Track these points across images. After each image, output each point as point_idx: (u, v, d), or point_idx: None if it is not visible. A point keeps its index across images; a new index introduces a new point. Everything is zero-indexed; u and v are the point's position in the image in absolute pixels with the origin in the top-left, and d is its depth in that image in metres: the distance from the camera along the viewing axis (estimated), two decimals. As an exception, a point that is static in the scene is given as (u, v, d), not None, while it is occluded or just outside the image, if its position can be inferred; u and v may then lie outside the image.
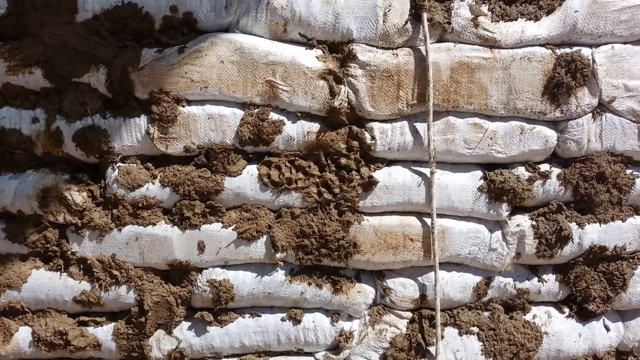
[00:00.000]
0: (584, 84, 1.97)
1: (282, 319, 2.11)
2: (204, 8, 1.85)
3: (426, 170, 2.01)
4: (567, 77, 1.93)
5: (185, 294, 2.07)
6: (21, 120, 1.95)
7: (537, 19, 1.93)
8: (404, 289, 2.12)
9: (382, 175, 2.01)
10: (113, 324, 2.11)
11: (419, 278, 2.13)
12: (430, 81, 1.90)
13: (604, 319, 2.24)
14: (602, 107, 2.03)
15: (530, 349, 2.15)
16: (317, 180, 2.01)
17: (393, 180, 2.01)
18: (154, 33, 1.88)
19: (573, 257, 2.14)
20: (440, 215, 2.05)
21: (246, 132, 1.93)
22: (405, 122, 1.99)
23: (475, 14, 1.90)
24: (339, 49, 1.94)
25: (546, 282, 2.18)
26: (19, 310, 2.08)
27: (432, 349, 2.09)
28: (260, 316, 2.12)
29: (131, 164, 1.99)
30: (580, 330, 2.21)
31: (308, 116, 1.98)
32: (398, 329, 2.13)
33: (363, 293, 2.12)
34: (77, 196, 1.97)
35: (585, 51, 1.96)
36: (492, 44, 1.93)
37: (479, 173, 2.07)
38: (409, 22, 1.89)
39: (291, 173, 2.00)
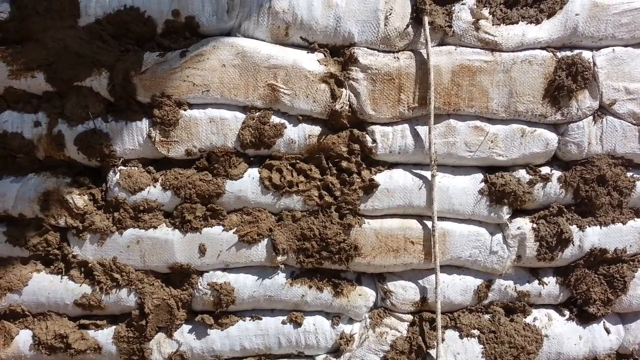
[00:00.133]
0: (585, 87, 1.97)
1: (283, 322, 2.11)
2: (206, 12, 1.85)
3: (427, 173, 2.02)
4: (568, 80, 1.94)
5: (186, 297, 2.07)
6: (23, 123, 1.96)
7: (538, 22, 1.93)
8: (404, 291, 2.12)
9: (383, 178, 2.02)
10: (114, 327, 2.10)
11: (420, 281, 2.13)
12: (432, 84, 1.90)
13: (604, 322, 2.25)
14: (603, 110, 2.03)
15: (531, 351, 2.15)
16: (318, 183, 2.02)
17: (394, 183, 2.02)
18: (156, 37, 1.89)
19: (574, 259, 2.14)
20: (441, 218, 2.06)
21: (247, 136, 1.94)
22: (406, 125, 2.00)
23: (476, 17, 1.90)
24: (340, 52, 1.95)
25: (547, 284, 2.18)
26: (19, 314, 2.08)
27: (432, 352, 2.08)
28: (260, 319, 2.12)
29: (133, 168, 1.99)
30: (581, 333, 2.22)
31: (309, 119, 1.99)
32: (399, 331, 2.13)
33: (364, 296, 2.12)
34: (79, 199, 1.97)
35: (586, 54, 1.97)
36: (493, 47, 1.94)
37: (479, 176, 2.07)
38: (410, 26, 1.90)
39: (292, 176, 2.00)
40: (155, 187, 1.99)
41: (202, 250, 2.02)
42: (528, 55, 1.94)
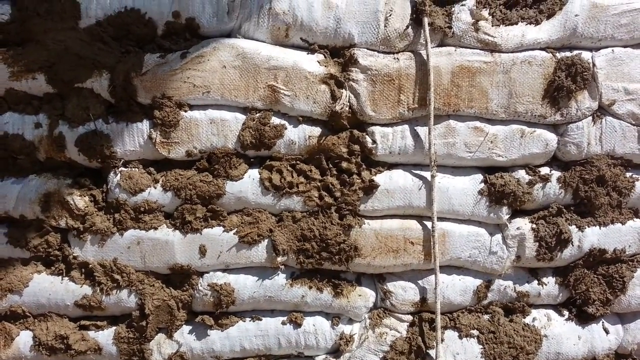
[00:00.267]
0: (584, 88, 1.98)
1: (283, 323, 2.11)
2: (206, 14, 1.85)
3: (427, 174, 2.02)
4: (567, 81, 1.94)
5: (186, 297, 2.07)
6: (24, 125, 1.96)
7: (537, 23, 1.94)
8: (404, 292, 2.13)
9: (383, 179, 2.02)
10: (114, 328, 2.10)
11: (420, 281, 2.13)
12: (431, 85, 1.90)
13: (603, 322, 2.25)
14: (602, 111, 2.04)
15: (530, 351, 2.15)
16: (319, 184, 2.02)
17: (394, 184, 2.02)
18: (157, 38, 1.89)
19: (573, 260, 2.14)
20: (440, 219, 2.06)
21: (248, 137, 1.94)
22: (406, 126, 2.00)
23: (476, 18, 1.91)
24: (340, 53, 1.96)
25: (546, 285, 2.18)
26: (20, 315, 2.08)
27: (432, 352, 2.09)
28: (260, 320, 2.12)
29: (133, 169, 1.99)
30: (580, 333, 2.22)
31: (309, 120, 1.99)
32: (398, 332, 2.14)
33: (364, 296, 2.13)
34: (79, 201, 1.97)
35: (586, 55, 1.97)
36: (492, 48, 1.94)
37: (479, 176, 2.08)
38: (410, 27, 1.91)
39: (292, 177, 2.00)
40: (155, 188, 1.99)
41: (202, 251, 2.02)
42: (527, 56, 1.95)
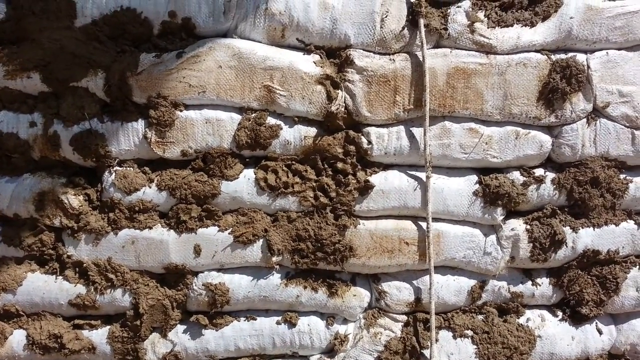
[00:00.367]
0: (579, 90, 1.98)
1: (278, 322, 2.11)
2: (202, 13, 1.85)
3: (422, 175, 2.02)
4: (562, 83, 1.95)
5: (181, 297, 2.07)
6: (19, 124, 1.95)
7: (532, 25, 1.94)
8: (399, 292, 2.13)
9: (378, 179, 2.02)
10: (108, 327, 2.10)
11: (414, 281, 2.14)
12: (427, 86, 1.91)
13: (596, 323, 2.26)
14: (597, 113, 2.05)
15: (524, 352, 2.16)
16: (314, 184, 2.02)
17: (389, 185, 2.02)
18: (153, 38, 1.89)
19: (567, 261, 2.15)
20: (435, 219, 2.07)
21: (243, 137, 1.94)
22: (401, 127, 2.00)
23: (471, 20, 1.91)
24: (336, 54, 1.96)
25: (540, 285, 2.19)
26: (13, 314, 2.07)
27: (426, 352, 2.10)
28: (255, 319, 2.12)
29: (128, 168, 1.99)
30: (574, 334, 2.23)
31: (305, 121, 1.99)
32: (393, 332, 2.14)
33: (358, 296, 2.13)
34: (74, 200, 1.97)
35: (580, 57, 1.98)
36: (488, 49, 1.95)
37: (474, 177, 2.08)
38: (406, 28, 1.91)
39: (288, 177, 2.00)
40: (150, 187, 1.99)
41: (197, 251, 2.02)
42: (523, 58, 1.95)
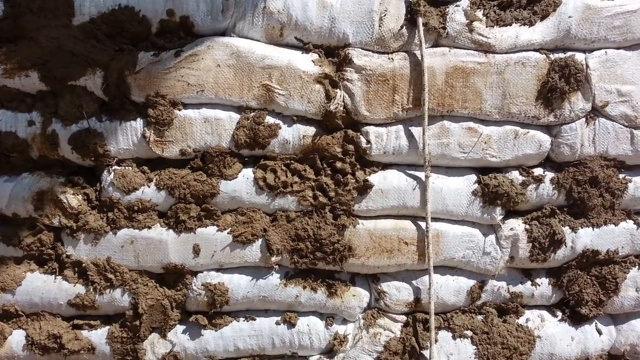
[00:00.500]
0: (578, 89, 1.98)
1: (277, 323, 2.11)
2: (200, 12, 1.85)
3: (421, 174, 2.02)
4: (560, 82, 1.95)
5: (180, 297, 2.07)
6: (17, 123, 1.95)
7: (531, 24, 1.95)
8: (398, 292, 2.13)
9: (377, 179, 2.02)
10: (107, 327, 2.10)
11: (414, 281, 2.14)
12: (426, 85, 1.91)
13: (596, 323, 2.26)
14: (596, 112, 2.04)
15: (524, 352, 2.15)
16: (313, 183, 2.02)
17: (388, 184, 2.02)
18: (151, 36, 1.89)
19: (566, 261, 2.15)
20: (434, 219, 2.06)
21: (242, 136, 1.94)
22: (400, 126, 2.00)
23: (470, 19, 1.91)
24: (335, 53, 1.96)
25: (539, 285, 2.19)
26: (12, 314, 2.07)
27: (426, 353, 2.09)
28: (254, 320, 2.12)
29: (127, 167, 1.99)
30: (573, 334, 2.23)
31: (304, 120, 1.99)
32: (392, 332, 2.14)
33: (358, 296, 2.13)
34: (73, 199, 1.97)
35: (579, 56, 1.98)
36: (486, 48, 1.95)
37: (473, 177, 2.08)
38: (404, 27, 1.91)
39: (287, 176, 2.00)
40: (149, 187, 1.98)
41: (196, 251, 2.02)
42: (521, 57, 1.95)
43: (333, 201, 2.01)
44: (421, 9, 1.87)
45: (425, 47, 1.92)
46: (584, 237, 2.11)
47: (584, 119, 2.04)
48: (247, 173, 2.01)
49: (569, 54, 1.97)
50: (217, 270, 2.09)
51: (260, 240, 2.04)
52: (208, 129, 1.94)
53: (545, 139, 2.04)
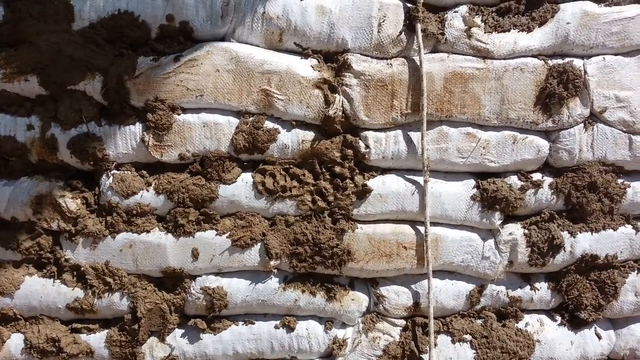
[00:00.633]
0: (576, 95, 1.98)
1: (276, 327, 2.11)
2: (200, 17, 1.85)
3: (420, 179, 2.02)
4: (559, 88, 1.95)
5: (179, 301, 2.07)
6: (16, 127, 1.95)
7: (529, 30, 1.95)
8: (397, 296, 2.13)
9: (376, 183, 2.02)
10: (106, 331, 2.10)
11: (413, 286, 2.14)
12: (424, 91, 1.91)
13: (595, 327, 2.25)
14: (594, 118, 2.05)
15: (523, 356, 2.15)
16: (312, 188, 2.02)
17: (387, 189, 2.02)
18: (150, 41, 1.89)
19: (565, 265, 2.15)
20: (433, 224, 2.06)
21: (241, 140, 1.94)
22: (399, 131, 2.01)
23: (468, 25, 1.91)
24: (334, 58, 1.96)
25: (538, 290, 2.19)
26: (11, 317, 2.07)
27: (425, 357, 2.09)
28: (253, 324, 2.12)
29: (126, 172, 1.99)
30: (572, 338, 2.22)
31: (303, 125, 1.99)
32: (391, 336, 2.14)
33: (357, 301, 2.13)
34: (71, 203, 1.97)
35: (577, 62, 1.98)
36: (485, 54, 1.95)
37: (472, 182, 2.08)
38: (403, 33, 1.91)
39: (286, 181, 2.00)
40: (148, 191, 1.99)
41: (195, 255, 2.02)
42: (520, 62, 1.96)
43: (332, 205, 2.01)
44: (420, 15, 1.88)
45: (424, 52, 1.92)
46: (582, 242, 2.11)
47: (582, 125, 2.04)
48: (246, 177, 2.01)
49: (567, 60, 1.97)
50: (216, 274, 2.09)
51: (259, 244, 2.04)
52: (207, 134, 1.94)
53: (543, 144, 2.04)
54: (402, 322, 2.17)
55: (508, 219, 2.13)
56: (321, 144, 1.98)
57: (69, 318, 2.10)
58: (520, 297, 2.19)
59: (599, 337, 2.25)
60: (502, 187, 2.03)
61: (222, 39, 1.93)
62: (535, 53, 1.97)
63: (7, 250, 2.03)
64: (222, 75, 1.89)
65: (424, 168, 1.98)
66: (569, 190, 2.07)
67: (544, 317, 2.25)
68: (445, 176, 2.09)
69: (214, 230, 2.03)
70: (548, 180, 2.08)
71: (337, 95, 1.94)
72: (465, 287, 2.17)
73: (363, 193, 2.00)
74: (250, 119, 1.95)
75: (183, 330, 2.11)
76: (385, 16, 1.89)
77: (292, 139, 1.98)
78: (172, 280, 2.08)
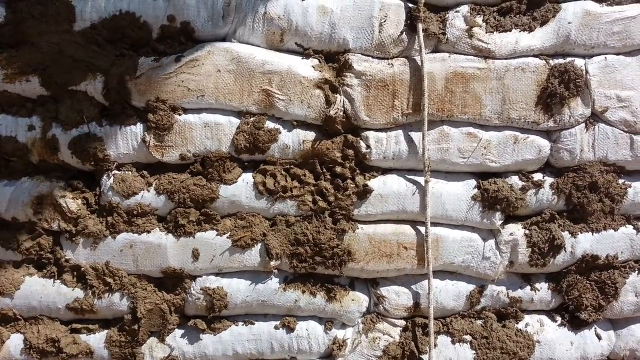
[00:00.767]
0: (577, 95, 1.98)
1: (276, 327, 2.11)
2: (201, 17, 1.85)
3: (420, 179, 2.02)
4: (560, 88, 1.95)
5: (179, 301, 2.07)
6: (17, 127, 1.95)
7: (531, 30, 1.95)
8: (397, 297, 2.13)
9: (376, 183, 2.02)
10: (106, 331, 2.10)
11: (413, 286, 2.13)
12: (425, 91, 1.91)
13: (595, 328, 2.25)
14: (595, 118, 2.05)
15: (523, 357, 2.15)
16: (312, 188, 2.02)
17: (388, 189, 2.02)
18: (152, 42, 1.89)
19: (565, 265, 2.15)
20: (434, 224, 2.06)
21: (242, 141, 1.94)
22: (400, 131, 2.00)
23: (469, 24, 1.91)
24: (335, 58, 1.96)
25: (539, 290, 2.19)
26: (11, 318, 2.07)
27: (425, 357, 2.09)
28: (253, 324, 2.12)
29: (126, 172, 1.99)
30: (572, 339, 2.22)
31: (304, 125, 1.99)
32: (391, 337, 2.14)
33: (357, 301, 2.13)
34: (72, 203, 1.97)
35: (579, 62, 1.98)
36: (486, 54, 1.95)
37: (472, 182, 2.08)
38: (404, 33, 1.91)
39: (286, 181, 2.00)
40: (149, 191, 1.99)
41: (195, 255, 2.02)
42: (521, 62, 1.96)
43: (332, 206, 2.01)
44: (421, 14, 1.88)
45: (425, 52, 1.92)
46: (583, 242, 2.11)
47: (583, 125, 2.04)
48: (247, 178, 2.01)
49: (568, 59, 1.97)
50: (216, 274, 2.09)
51: (259, 244, 2.04)
52: (208, 134, 1.94)
53: (544, 144, 2.04)
54: (402, 322, 2.17)
55: (509, 219, 2.13)
56: (322, 144, 1.98)
57: (69, 318, 2.10)
58: (521, 297, 2.19)
59: (599, 338, 2.25)
60: (503, 187, 2.03)
61: (224, 39, 1.93)
62: (536, 53, 1.97)
63: (8, 251, 2.03)
64: (223, 76, 1.89)
65: (424, 168, 1.98)
66: (569, 191, 2.07)
67: (544, 318, 2.25)
68: (446, 176, 2.09)
69: (214, 231, 2.02)
70: (549, 180, 2.08)
71: (338, 95, 1.94)
72: (466, 288, 2.16)
73: (364, 193, 2.00)
74: (251, 119, 1.95)
75: (183, 331, 2.11)
76: (386, 16, 1.89)
77: (293, 139, 1.98)
78: (172, 280, 2.07)
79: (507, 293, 2.19)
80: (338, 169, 2.00)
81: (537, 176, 2.08)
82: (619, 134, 2.04)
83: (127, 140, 1.94)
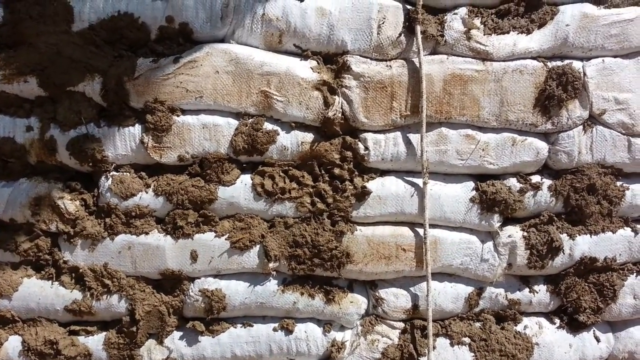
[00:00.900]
0: (575, 97, 1.98)
1: (274, 329, 2.11)
2: (199, 19, 1.85)
3: (419, 181, 2.02)
4: (558, 90, 1.95)
5: (177, 303, 2.06)
6: (15, 128, 1.95)
7: (529, 32, 1.95)
8: (396, 299, 2.13)
9: (375, 185, 2.02)
10: (104, 333, 2.10)
11: (411, 288, 2.13)
12: (424, 93, 1.91)
13: (594, 330, 2.25)
14: (593, 120, 2.05)
15: (521, 359, 2.15)
16: (311, 190, 2.02)
17: (386, 191, 2.02)
18: (150, 43, 1.89)
19: (564, 268, 2.15)
20: (432, 226, 2.06)
21: (240, 142, 1.94)
22: (398, 133, 2.01)
23: (468, 27, 1.92)
24: (333, 60, 1.96)
25: (537, 293, 2.19)
26: (9, 319, 2.07)
27: (423, 360, 2.09)
28: (252, 326, 2.12)
29: (125, 173, 1.99)
30: (571, 341, 2.22)
31: (302, 126, 1.99)
32: (390, 339, 2.13)
33: (355, 303, 2.12)
34: (70, 205, 1.97)
35: (577, 64, 1.98)
36: (484, 56, 1.95)
37: (471, 184, 2.08)
38: (402, 35, 1.91)
39: (285, 183, 2.00)
40: (147, 192, 1.99)
41: (193, 257, 2.02)
42: (519, 64, 1.96)
43: (331, 207, 2.01)
44: (419, 16, 1.88)
45: (424, 54, 1.92)
46: (581, 245, 2.11)
47: (581, 127, 2.04)
48: (245, 179, 2.01)
49: (566, 62, 1.98)
50: (215, 276, 2.09)
51: (258, 246, 2.04)
52: (206, 135, 1.94)
53: (542, 146, 2.04)
54: (401, 324, 2.17)
55: (507, 221, 2.13)
56: (320, 145, 1.98)
57: (67, 320, 2.09)
58: (519, 299, 2.19)
59: (598, 340, 2.25)
60: (501, 189, 2.03)
61: (222, 40, 1.94)
62: (534, 55, 1.97)
63: (6, 252, 2.03)
64: (221, 77, 1.89)
65: (423, 170, 1.98)
66: (568, 193, 2.07)
67: (542, 320, 2.25)
68: (445, 178, 2.09)
69: (212, 232, 2.02)
70: (547, 182, 2.08)
71: (336, 96, 1.94)
72: (464, 290, 2.16)
73: (362, 195, 2.00)
74: (250, 120, 1.95)
75: (181, 333, 2.11)
76: (384, 18, 1.90)
77: (291, 141, 1.98)
78: (170, 282, 2.07)
79: (506, 295, 2.18)
80: (336, 171, 2.00)
81: (535, 178, 2.08)
82: (616, 136, 2.04)
83: (125, 141, 1.94)
